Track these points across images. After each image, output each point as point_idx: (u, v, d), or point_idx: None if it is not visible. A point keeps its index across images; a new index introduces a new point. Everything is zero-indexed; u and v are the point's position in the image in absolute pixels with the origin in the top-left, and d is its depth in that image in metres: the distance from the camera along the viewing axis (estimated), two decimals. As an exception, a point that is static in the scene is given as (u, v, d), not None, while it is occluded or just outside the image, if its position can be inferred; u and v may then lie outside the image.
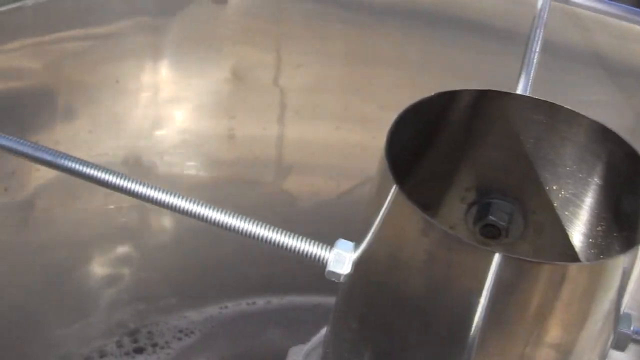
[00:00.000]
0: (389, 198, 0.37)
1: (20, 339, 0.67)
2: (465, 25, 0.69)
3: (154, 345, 0.74)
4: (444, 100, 0.41)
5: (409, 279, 0.38)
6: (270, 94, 0.72)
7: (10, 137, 0.46)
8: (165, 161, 0.72)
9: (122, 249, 0.73)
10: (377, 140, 0.73)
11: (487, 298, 0.36)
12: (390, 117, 0.71)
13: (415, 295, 0.38)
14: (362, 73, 0.72)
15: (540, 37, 0.60)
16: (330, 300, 0.78)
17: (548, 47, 0.60)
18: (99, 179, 0.45)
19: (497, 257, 0.35)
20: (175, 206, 0.45)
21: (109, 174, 0.45)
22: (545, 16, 0.62)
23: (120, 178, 0.45)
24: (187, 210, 0.44)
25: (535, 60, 0.58)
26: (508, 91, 0.42)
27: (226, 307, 0.77)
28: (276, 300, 0.78)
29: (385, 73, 0.72)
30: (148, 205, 0.45)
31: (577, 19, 0.66)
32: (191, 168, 0.73)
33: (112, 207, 0.70)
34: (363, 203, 0.75)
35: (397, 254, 0.38)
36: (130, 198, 0.45)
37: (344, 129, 0.74)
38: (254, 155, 0.74)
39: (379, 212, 0.38)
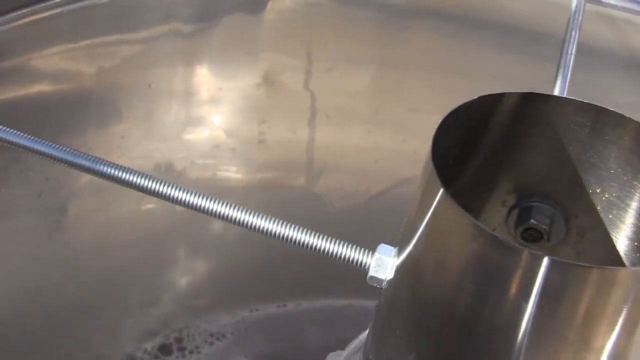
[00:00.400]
0: (435, 202, 0.37)
1: (52, 341, 0.67)
2: (497, 26, 0.69)
3: (182, 349, 0.74)
4: (487, 104, 0.41)
5: (455, 284, 0.37)
6: (301, 98, 0.72)
7: (48, 143, 0.46)
8: (197, 165, 0.72)
9: (152, 253, 0.73)
10: (407, 143, 0.74)
11: (535, 302, 0.35)
12: (421, 120, 0.71)
13: (461, 300, 0.37)
14: (393, 76, 0.72)
15: (576, 38, 0.59)
16: (360, 302, 0.78)
17: (583, 49, 0.60)
18: (135, 183, 0.45)
19: (545, 261, 0.34)
20: (214, 211, 0.44)
21: (144, 178, 0.45)
22: (580, 18, 0.61)
23: (156, 182, 0.45)
24: (225, 215, 0.44)
25: (571, 62, 0.57)
26: (551, 94, 0.42)
27: (257, 309, 0.77)
28: (307, 303, 0.78)
29: (416, 75, 0.72)
30: (179, 209, 0.45)
31: (611, 21, 0.65)
32: (222, 172, 0.73)
33: (143, 211, 0.70)
34: (394, 206, 0.74)
35: (443, 258, 0.37)
36: (161, 203, 0.45)
37: (374, 132, 0.74)
38: (284, 159, 0.74)
39: (424, 217, 0.38)
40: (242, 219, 0.44)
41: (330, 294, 0.77)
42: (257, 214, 0.44)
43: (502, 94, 0.40)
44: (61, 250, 0.66)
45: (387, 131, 0.73)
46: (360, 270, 0.42)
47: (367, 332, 0.47)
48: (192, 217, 0.49)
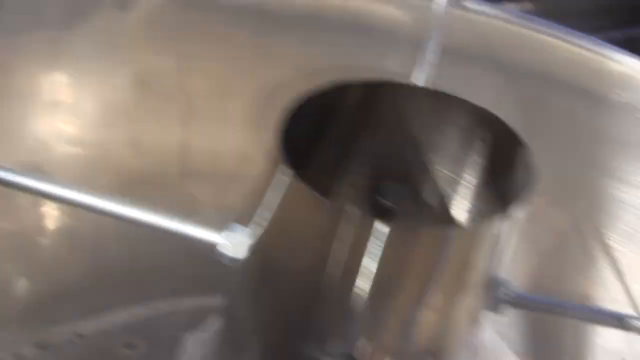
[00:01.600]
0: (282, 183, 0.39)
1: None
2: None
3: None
4: (337, 91, 0.43)
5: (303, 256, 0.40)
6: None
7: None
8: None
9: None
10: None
11: (378, 264, 0.38)
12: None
13: (307, 270, 0.40)
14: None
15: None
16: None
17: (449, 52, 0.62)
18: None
19: (376, 225, 0.37)
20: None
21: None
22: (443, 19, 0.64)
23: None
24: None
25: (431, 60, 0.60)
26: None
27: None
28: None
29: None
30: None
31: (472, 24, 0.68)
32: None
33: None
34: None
35: (291, 234, 0.40)
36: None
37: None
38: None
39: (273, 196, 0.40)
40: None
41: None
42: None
43: (351, 82, 0.43)
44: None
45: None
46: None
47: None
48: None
